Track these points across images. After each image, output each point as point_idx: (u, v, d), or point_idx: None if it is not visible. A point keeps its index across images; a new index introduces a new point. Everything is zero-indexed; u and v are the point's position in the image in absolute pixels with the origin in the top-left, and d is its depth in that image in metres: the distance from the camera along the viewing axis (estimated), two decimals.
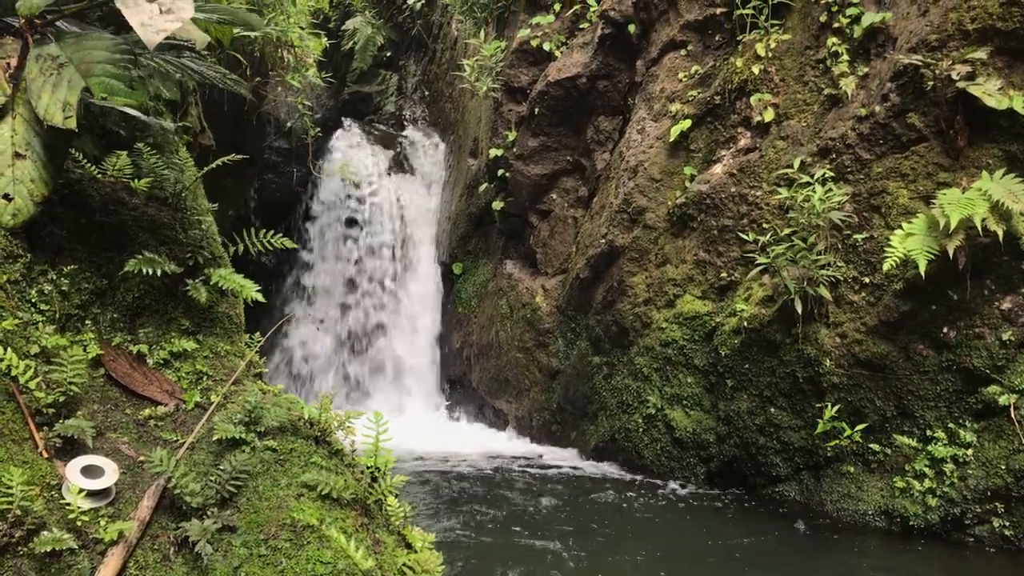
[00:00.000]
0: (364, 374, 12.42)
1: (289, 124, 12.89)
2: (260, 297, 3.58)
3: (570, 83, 9.75)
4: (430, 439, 9.90)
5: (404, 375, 12.43)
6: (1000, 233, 5.91)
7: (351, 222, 13.08)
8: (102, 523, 2.74)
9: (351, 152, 13.69)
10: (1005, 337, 6.17)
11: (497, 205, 10.97)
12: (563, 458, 9.31)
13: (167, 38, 3.72)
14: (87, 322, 3.42)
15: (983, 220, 5.85)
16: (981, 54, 6.24)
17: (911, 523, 6.46)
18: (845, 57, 7.32)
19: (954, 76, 6.29)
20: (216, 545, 2.80)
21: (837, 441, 6.87)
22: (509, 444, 10.13)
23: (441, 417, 12.01)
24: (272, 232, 4.00)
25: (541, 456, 9.47)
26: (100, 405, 3.19)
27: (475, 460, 9.12)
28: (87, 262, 3.50)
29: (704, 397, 8.00)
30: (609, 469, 8.69)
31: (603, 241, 9.00)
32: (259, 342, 3.67)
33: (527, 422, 10.32)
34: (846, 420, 6.85)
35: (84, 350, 3.28)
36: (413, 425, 10.55)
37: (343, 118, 14.87)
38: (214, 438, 3.12)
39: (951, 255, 5.98)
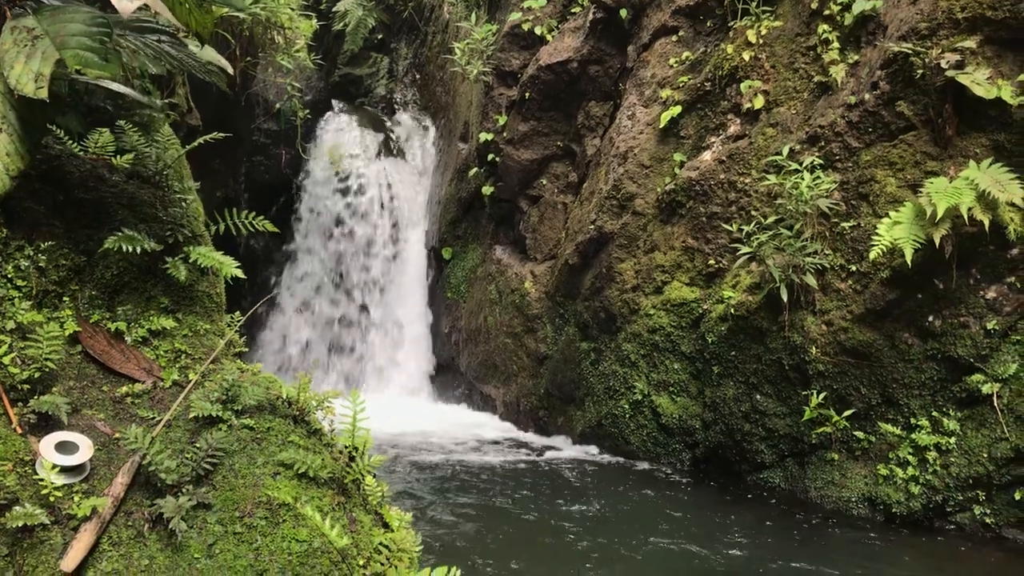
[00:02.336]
0: (351, 358, 12.39)
1: (278, 106, 12.79)
2: (240, 274, 3.55)
3: (561, 68, 9.71)
4: (416, 423, 9.90)
5: (392, 359, 12.41)
6: (986, 222, 5.92)
7: (340, 206, 13.00)
8: (76, 499, 2.73)
9: (340, 135, 13.59)
10: (990, 326, 6.19)
11: (487, 190, 10.93)
12: (550, 443, 9.32)
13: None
14: (65, 299, 3.39)
15: (970, 209, 5.86)
16: (971, 43, 6.23)
17: (894, 510, 6.50)
18: (836, 45, 7.29)
19: (943, 65, 6.28)
20: (191, 522, 2.79)
21: (823, 428, 6.89)
22: (496, 428, 10.13)
23: (429, 401, 12.00)
24: (260, 215, 3.97)
25: (528, 441, 9.48)
26: (76, 382, 3.17)
27: (461, 444, 9.12)
28: (65, 238, 3.47)
29: (690, 383, 8.01)
30: (595, 454, 8.71)
31: (592, 227, 8.99)
32: (239, 321, 3.64)
33: (515, 407, 10.32)
34: (832, 408, 6.87)
35: (61, 326, 3.25)
36: (399, 408, 10.54)
37: (333, 100, 14.75)
38: (191, 416, 3.10)
39: (938, 244, 5.99)
